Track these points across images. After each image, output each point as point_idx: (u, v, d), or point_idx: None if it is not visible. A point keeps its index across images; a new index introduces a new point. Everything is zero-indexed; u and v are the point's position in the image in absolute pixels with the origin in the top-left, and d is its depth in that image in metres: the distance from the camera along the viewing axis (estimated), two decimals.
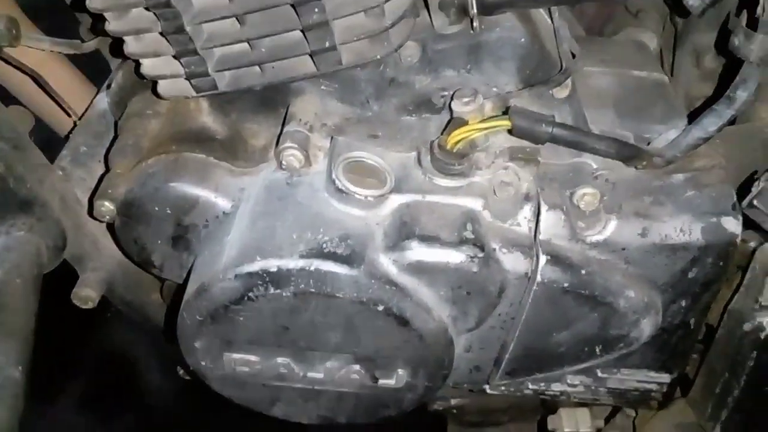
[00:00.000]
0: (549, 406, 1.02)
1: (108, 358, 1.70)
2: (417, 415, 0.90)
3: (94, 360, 1.68)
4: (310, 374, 0.70)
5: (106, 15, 0.62)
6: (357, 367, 0.70)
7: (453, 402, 1.04)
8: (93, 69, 0.99)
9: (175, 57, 0.64)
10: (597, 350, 0.75)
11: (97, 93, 0.91)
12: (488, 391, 0.86)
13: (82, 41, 0.84)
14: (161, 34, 0.62)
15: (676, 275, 0.71)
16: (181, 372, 0.96)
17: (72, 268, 0.81)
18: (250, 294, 0.62)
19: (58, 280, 0.78)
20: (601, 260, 0.68)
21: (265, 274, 0.61)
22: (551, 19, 0.72)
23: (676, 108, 0.77)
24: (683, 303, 0.74)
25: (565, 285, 0.66)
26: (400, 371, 0.70)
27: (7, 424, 0.55)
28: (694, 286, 0.72)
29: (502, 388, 0.85)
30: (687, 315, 0.75)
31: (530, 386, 0.85)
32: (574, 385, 0.84)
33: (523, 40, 0.68)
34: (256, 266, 0.61)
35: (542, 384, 0.84)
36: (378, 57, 0.64)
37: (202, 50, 0.63)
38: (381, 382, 0.71)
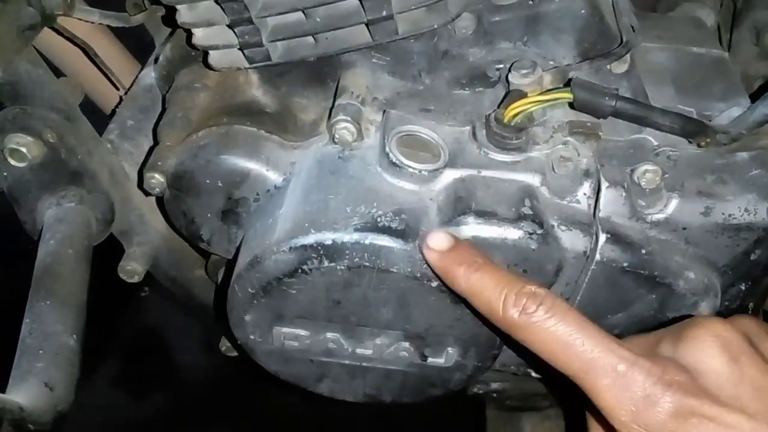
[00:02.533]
0: None
1: (143, 336, 1.72)
2: (456, 398, 0.90)
3: (129, 338, 1.70)
4: (359, 350, 0.70)
5: None
6: (406, 344, 0.69)
7: (493, 386, 1.02)
8: (135, 45, 0.99)
9: (228, 27, 0.63)
10: None
11: (142, 68, 0.91)
12: (533, 374, 0.85)
13: (130, 15, 0.84)
14: (216, 2, 0.61)
15: (737, 257, 0.68)
16: (224, 348, 0.96)
17: (100, 245, 0.80)
18: (304, 267, 0.61)
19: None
20: (662, 240, 0.66)
21: (319, 247, 0.60)
22: None
23: (737, 85, 0.75)
24: (743, 286, 0.72)
25: (624, 264, 0.64)
26: (450, 350, 0.69)
27: (65, 391, 0.55)
28: (756, 269, 0.70)
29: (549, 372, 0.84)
30: (746, 299, 0.73)
31: None
32: None
33: (583, 11, 0.66)
34: (310, 239, 0.61)
35: None
36: (435, 26, 0.63)
37: (256, 19, 0.62)
38: (430, 360, 0.70)
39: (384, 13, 0.60)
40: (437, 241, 0.57)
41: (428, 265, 0.59)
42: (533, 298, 0.51)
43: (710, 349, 0.49)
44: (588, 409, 0.55)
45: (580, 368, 0.48)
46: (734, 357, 0.48)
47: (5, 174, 0.71)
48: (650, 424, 0.46)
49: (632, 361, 0.48)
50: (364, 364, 0.71)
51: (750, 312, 0.74)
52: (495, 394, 1.04)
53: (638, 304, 0.68)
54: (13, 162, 0.69)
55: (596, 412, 0.51)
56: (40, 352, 0.57)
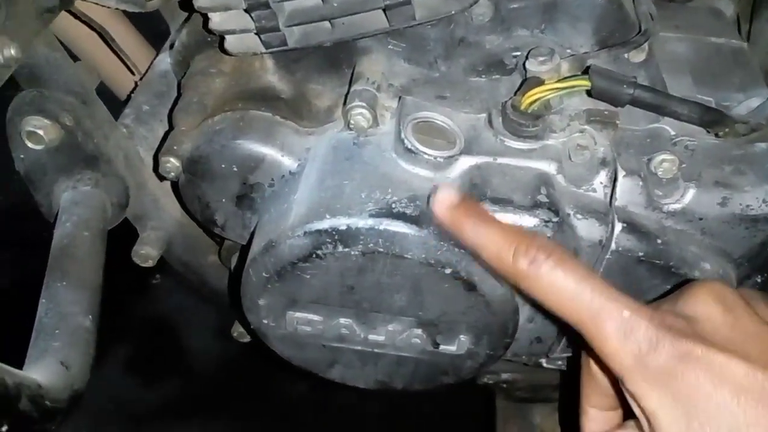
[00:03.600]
0: None
1: (154, 322, 1.73)
2: (465, 388, 0.90)
3: (140, 325, 1.71)
4: (372, 336, 0.70)
5: None
6: (419, 331, 0.69)
7: (504, 376, 1.02)
8: (151, 32, 1.00)
9: (245, 11, 0.63)
10: None
11: (157, 54, 0.92)
12: (545, 365, 0.85)
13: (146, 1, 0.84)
14: None
15: (754, 248, 0.68)
16: (236, 334, 0.96)
17: (114, 230, 0.80)
18: (319, 252, 0.61)
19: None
20: (678, 230, 0.66)
21: (334, 232, 0.60)
22: None
23: (756, 76, 0.74)
24: (759, 278, 0.71)
25: (640, 254, 0.64)
26: (463, 337, 0.69)
27: (80, 370, 0.56)
28: None
29: (560, 362, 0.83)
30: (762, 290, 0.72)
31: None
32: None
33: None
34: (325, 224, 0.61)
35: None
36: (452, 12, 0.63)
37: (274, 3, 0.62)
38: (442, 347, 0.70)
39: None
40: (446, 194, 0.58)
41: (437, 219, 0.59)
42: (543, 249, 0.52)
43: (706, 299, 0.51)
44: (584, 368, 0.58)
45: (587, 316, 0.50)
46: (729, 307, 0.51)
47: (22, 156, 0.71)
48: (651, 366, 0.48)
49: (636, 308, 0.50)
50: (376, 350, 0.71)
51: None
52: (505, 385, 1.05)
53: (653, 294, 0.68)
54: (30, 144, 0.69)
55: (597, 363, 0.54)
56: (57, 331, 0.58)
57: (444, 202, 0.58)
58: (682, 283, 0.60)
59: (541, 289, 0.52)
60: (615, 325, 0.49)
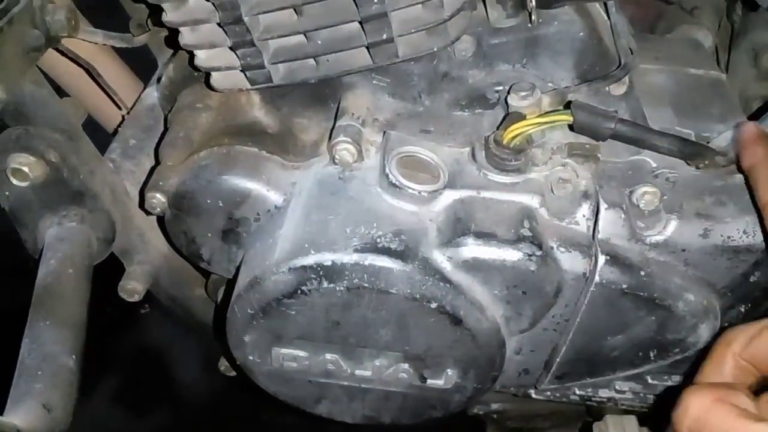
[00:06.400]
0: (593, 413, 0.99)
1: (142, 354, 1.71)
2: (456, 419, 0.89)
3: (128, 356, 1.69)
4: (358, 372, 0.69)
5: (165, 6, 0.62)
6: (406, 365, 0.68)
7: (494, 406, 1.02)
8: (138, 65, 1.00)
9: (231, 48, 0.64)
10: (651, 355, 0.73)
11: (144, 88, 0.92)
12: (534, 395, 0.84)
13: (133, 36, 0.85)
14: (218, 24, 0.62)
15: (736, 279, 0.68)
16: (223, 368, 0.96)
17: (101, 263, 0.80)
18: (303, 288, 0.61)
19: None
20: (661, 261, 0.66)
21: (319, 268, 0.61)
22: (608, 15, 0.71)
23: (735, 107, 0.75)
24: (742, 308, 0.71)
25: (624, 286, 0.65)
26: (450, 371, 0.69)
27: (63, 412, 0.55)
28: (755, 290, 0.69)
29: (549, 393, 0.83)
30: (746, 320, 0.72)
31: (577, 392, 0.83)
32: (623, 392, 0.82)
33: (581, 34, 0.67)
34: (310, 260, 0.61)
35: (590, 390, 0.82)
36: (434, 50, 0.63)
37: (258, 41, 0.62)
38: (429, 382, 0.70)
39: (384, 37, 0.61)
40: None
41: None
42: None
43: None
44: None
45: None
46: None
47: (7, 193, 0.71)
48: None
49: None
50: (363, 385, 0.71)
51: None
52: (495, 415, 1.04)
53: (637, 326, 0.68)
54: (15, 181, 0.69)
55: None
56: (39, 373, 0.57)
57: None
58: None
59: None
60: None
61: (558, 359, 0.73)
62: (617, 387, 0.81)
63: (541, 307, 0.65)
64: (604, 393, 0.82)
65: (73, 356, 0.60)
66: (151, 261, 0.84)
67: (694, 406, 0.45)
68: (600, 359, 0.73)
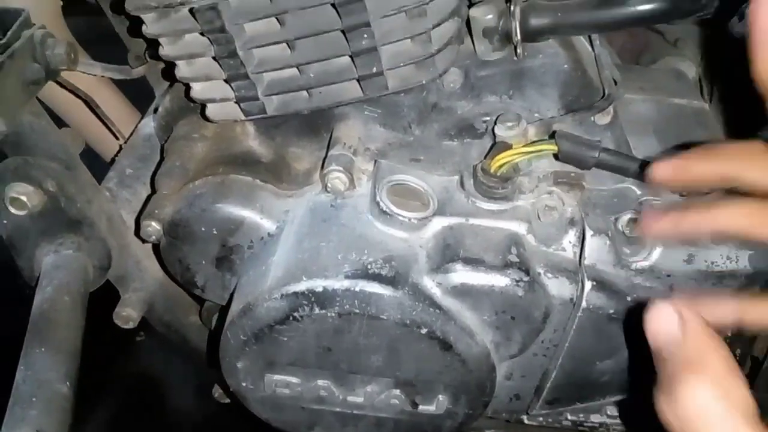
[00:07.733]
0: None
1: (137, 381, 1.70)
2: None
3: (123, 383, 1.69)
4: (350, 398, 0.70)
5: (161, 40, 0.64)
6: (397, 391, 0.69)
7: None
8: (135, 96, 1.02)
9: (225, 81, 0.66)
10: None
11: (141, 118, 0.94)
12: (526, 421, 0.85)
13: (131, 68, 0.87)
14: (213, 58, 0.64)
15: None
16: (217, 395, 0.96)
17: (95, 291, 0.81)
18: (295, 314, 0.62)
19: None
20: (646, 287, 0.67)
21: (310, 294, 0.62)
22: (592, 47, 0.73)
23: (718, 136, 0.77)
24: (728, 333, 0.73)
25: (611, 311, 0.66)
26: (441, 397, 0.69)
27: None
28: None
29: (541, 418, 0.84)
30: (732, 345, 0.74)
31: (569, 417, 0.83)
32: (614, 417, 0.83)
33: (566, 66, 0.69)
34: (302, 286, 0.62)
35: (581, 415, 0.83)
36: (423, 82, 0.66)
37: (252, 75, 0.64)
38: (421, 407, 0.70)
39: (374, 70, 0.63)
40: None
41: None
42: None
43: None
44: None
45: None
46: None
47: (5, 222, 0.72)
48: None
49: None
50: (355, 411, 0.72)
51: (737, 359, 0.74)
52: None
53: (626, 351, 0.69)
54: (13, 210, 0.71)
55: None
56: (33, 399, 0.58)
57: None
58: None
59: None
60: None
61: (548, 384, 0.74)
62: (608, 412, 0.82)
63: (529, 333, 0.66)
64: (595, 418, 0.83)
65: (68, 383, 0.61)
66: (146, 288, 0.84)
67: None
68: (590, 384, 0.74)
